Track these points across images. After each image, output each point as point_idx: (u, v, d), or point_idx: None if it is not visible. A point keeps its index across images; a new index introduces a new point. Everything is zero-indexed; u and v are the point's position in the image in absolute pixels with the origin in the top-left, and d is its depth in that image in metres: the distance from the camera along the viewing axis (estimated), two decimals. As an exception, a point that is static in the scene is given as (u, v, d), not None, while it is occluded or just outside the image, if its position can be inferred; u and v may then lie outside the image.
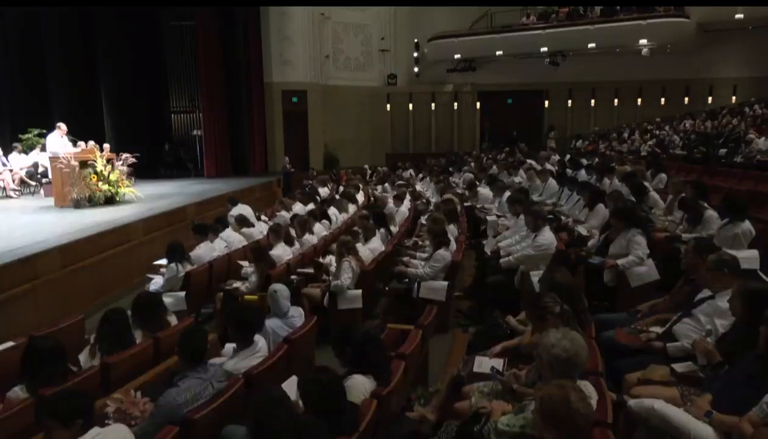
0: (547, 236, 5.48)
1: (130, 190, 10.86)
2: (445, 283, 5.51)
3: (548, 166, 11.56)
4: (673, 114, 19.27)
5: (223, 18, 17.30)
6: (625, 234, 5.08)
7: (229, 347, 3.82)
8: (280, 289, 4.33)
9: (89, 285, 6.94)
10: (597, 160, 11.68)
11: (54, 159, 10.22)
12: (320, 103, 19.92)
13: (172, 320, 4.34)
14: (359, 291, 5.47)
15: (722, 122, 14.64)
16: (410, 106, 22.85)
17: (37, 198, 11.88)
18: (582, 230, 6.52)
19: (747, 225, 5.14)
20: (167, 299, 4.91)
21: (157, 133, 17.84)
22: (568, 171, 10.63)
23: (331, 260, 6.16)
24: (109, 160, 10.59)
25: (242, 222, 7.69)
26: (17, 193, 12.16)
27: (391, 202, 9.38)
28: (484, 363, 3.51)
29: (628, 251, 5.02)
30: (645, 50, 18.79)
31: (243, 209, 8.71)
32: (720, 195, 8.67)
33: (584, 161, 11.49)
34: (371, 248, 6.38)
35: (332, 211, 8.72)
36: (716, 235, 5.21)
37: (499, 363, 3.45)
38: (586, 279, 5.32)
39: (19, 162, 12.54)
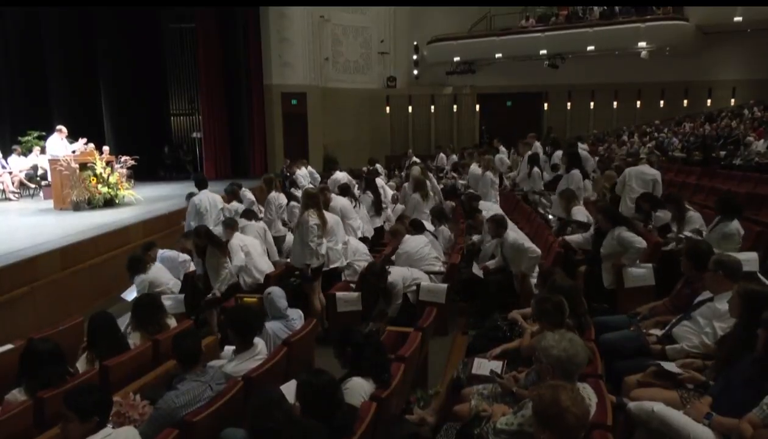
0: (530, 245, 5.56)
1: (129, 192, 10.87)
2: (445, 285, 5.51)
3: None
4: (672, 116, 19.30)
5: (222, 20, 17.31)
6: (612, 233, 5.08)
7: (229, 349, 3.81)
8: (275, 291, 4.34)
9: (89, 287, 6.94)
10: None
11: (54, 161, 10.23)
12: (320, 106, 19.93)
13: (172, 322, 4.34)
14: (358, 293, 5.46)
15: (721, 125, 14.67)
16: (410, 108, 22.87)
17: (36, 200, 11.87)
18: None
19: (735, 224, 5.16)
20: (166, 302, 4.91)
21: (157, 135, 17.85)
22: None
23: None
24: (108, 163, 10.60)
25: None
26: (17, 195, 12.15)
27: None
28: (483, 365, 3.51)
29: (622, 249, 5.02)
30: (644, 53, 18.82)
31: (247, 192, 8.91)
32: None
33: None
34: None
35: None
36: (707, 235, 5.24)
37: (497, 365, 3.45)
38: (585, 281, 5.32)
39: (19, 164, 12.53)
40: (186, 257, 6.25)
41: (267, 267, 6.23)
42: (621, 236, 5.01)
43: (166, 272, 5.82)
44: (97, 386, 2.72)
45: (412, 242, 6.04)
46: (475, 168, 9.96)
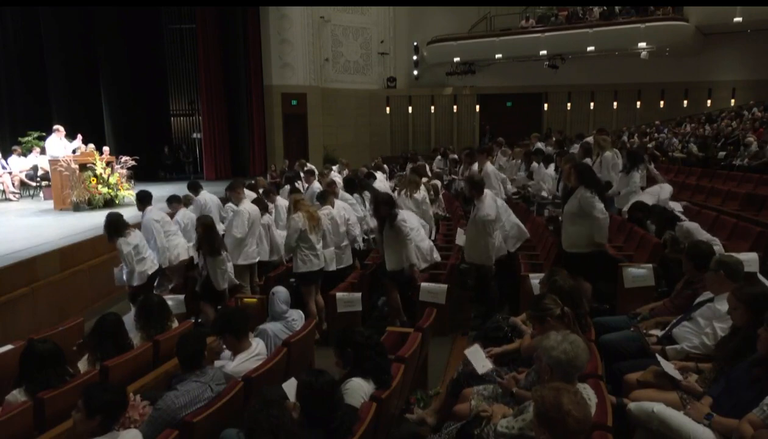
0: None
1: (129, 193, 10.86)
2: (445, 286, 5.49)
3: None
4: (673, 117, 19.30)
5: (223, 21, 17.34)
6: (578, 191, 4.94)
7: (227, 351, 3.80)
8: (278, 291, 4.33)
9: (88, 288, 6.94)
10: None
11: (54, 162, 10.24)
12: (320, 106, 19.95)
13: (173, 323, 4.34)
14: (358, 294, 5.46)
15: (721, 125, 14.67)
16: (410, 109, 22.90)
17: (36, 201, 11.87)
18: None
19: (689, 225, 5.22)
20: (168, 302, 4.90)
21: (157, 135, 17.86)
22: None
23: None
24: (108, 163, 10.61)
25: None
26: (17, 196, 12.16)
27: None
28: (477, 354, 3.51)
29: (581, 213, 4.89)
30: (644, 53, 18.85)
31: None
32: (720, 198, 8.70)
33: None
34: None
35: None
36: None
37: (488, 362, 3.47)
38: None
39: (19, 165, 12.53)
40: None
41: (256, 254, 6.28)
42: (583, 196, 4.85)
43: (144, 242, 5.85)
44: (116, 387, 2.71)
45: (412, 216, 6.02)
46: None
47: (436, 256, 5.89)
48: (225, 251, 5.61)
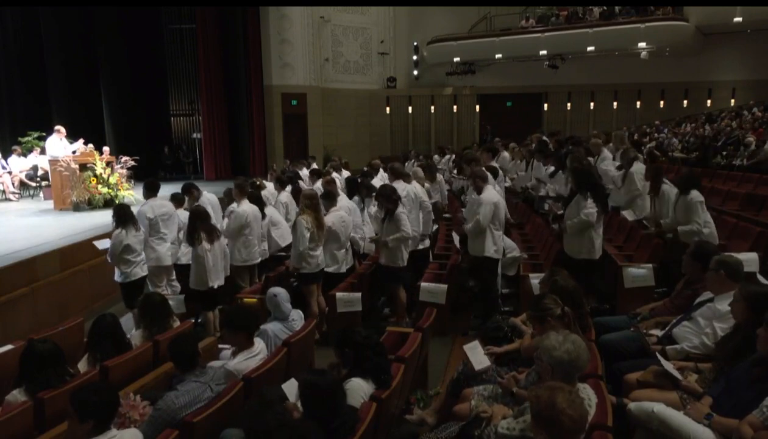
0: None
1: (129, 193, 10.87)
2: (445, 286, 5.49)
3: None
4: (673, 117, 19.30)
5: (223, 21, 17.34)
6: (577, 198, 5.10)
7: (227, 351, 3.80)
8: (280, 292, 4.32)
9: (88, 288, 6.94)
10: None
11: (54, 162, 10.24)
12: (320, 106, 19.94)
13: (175, 323, 4.34)
14: (359, 294, 5.46)
15: (721, 125, 14.67)
16: (410, 109, 22.89)
17: (36, 201, 11.88)
18: None
19: (694, 194, 5.23)
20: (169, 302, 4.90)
21: (157, 135, 17.86)
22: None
23: None
24: (108, 163, 10.61)
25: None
26: (17, 196, 12.16)
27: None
28: (476, 350, 3.52)
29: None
30: (644, 53, 18.84)
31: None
32: (720, 198, 8.70)
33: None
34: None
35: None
36: (675, 209, 5.35)
37: (486, 359, 3.48)
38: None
39: (19, 165, 12.53)
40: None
41: (256, 255, 6.27)
42: (579, 202, 5.03)
43: (140, 244, 5.80)
44: (106, 387, 2.68)
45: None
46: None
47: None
48: (210, 244, 5.48)
